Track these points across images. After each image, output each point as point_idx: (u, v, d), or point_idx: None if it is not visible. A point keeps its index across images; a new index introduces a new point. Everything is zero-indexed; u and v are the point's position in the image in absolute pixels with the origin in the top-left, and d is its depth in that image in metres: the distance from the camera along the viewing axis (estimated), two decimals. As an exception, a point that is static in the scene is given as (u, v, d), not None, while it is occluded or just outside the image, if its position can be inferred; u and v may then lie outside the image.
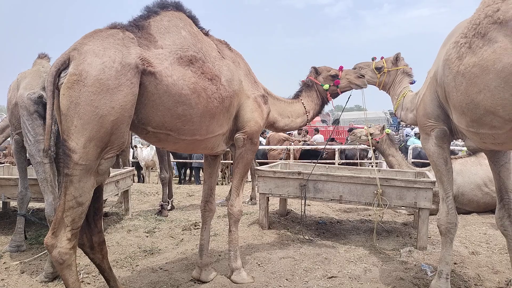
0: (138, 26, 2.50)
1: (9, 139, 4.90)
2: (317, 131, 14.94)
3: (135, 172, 10.58)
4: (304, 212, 4.79)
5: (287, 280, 3.43)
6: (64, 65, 2.19)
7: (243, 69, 3.22)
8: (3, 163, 7.10)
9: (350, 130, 10.39)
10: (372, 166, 9.04)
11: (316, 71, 4.02)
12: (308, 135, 13.69)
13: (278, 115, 3.74)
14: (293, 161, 9.14)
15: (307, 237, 4.64)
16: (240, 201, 3.34)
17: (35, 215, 4.94)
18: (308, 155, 9.74)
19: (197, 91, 2.61)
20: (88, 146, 2.18)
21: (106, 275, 2.72)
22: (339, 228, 5.16)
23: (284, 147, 9.70)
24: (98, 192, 2.55)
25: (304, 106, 3.88)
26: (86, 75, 2.13)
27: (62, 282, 2.39)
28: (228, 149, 3.39)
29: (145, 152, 10.20)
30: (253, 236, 4.68)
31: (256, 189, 6.24)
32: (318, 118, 33.39)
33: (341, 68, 4.02)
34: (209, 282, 3.34)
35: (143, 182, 10.65)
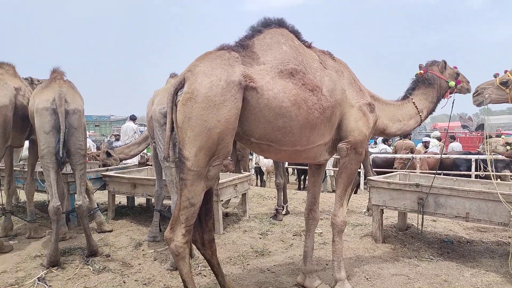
0: (243, 46, 2.74)
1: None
2: (453, 138, 13.35)
3: (253, 177, 11.24)
4: (422, 227, 4.41)
5: (395, 298, 3.24)
6: (180, 85, 2.56)
7: (347, 78, 3.19)
8: (151, 165, 8.37)
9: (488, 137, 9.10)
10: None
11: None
12: (440, 142, 12.39)
13: (389, 120, 3.57)
14: (420, 171, 8.42)
15: (426, 256, 4.26)
16: (344, 211, 3.29)
17: (169, 211, 5.73)
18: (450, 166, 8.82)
19: (297, 103, 2.70)
20: (199, 155, 2.48)
21: (215, 270, 3.03)
22: (468, 249, 4.57)
23: (409, 155, 9.00)
24: (208, 195, 2.87)
25: (416, 106, 3.63)
26: (197, 93, 2.45)
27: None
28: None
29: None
30: (364, 249, 4.51)
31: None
32: (457, 124, 29.80)
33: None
34: (312, 289, 3.39)
35: (264, 186, 11.22)
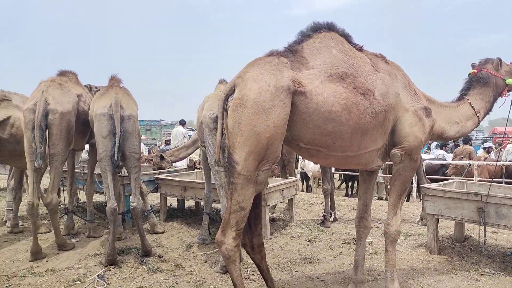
0: (291, 51, 2.73)
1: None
2: (516, 143, 12.34)
3: (300, 183, 11.11)
4: (484, 240, 4.12)
5: (453, 314, 3.05)
6: (231, 91, 2.60)
7: (401, 81, 3.07)
8: (199, 169, 8.59)
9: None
10: None
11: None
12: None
13: (446, 123, 3.41)
14: (478, 179, 7.89)
15: (487, 270, 3.97)
16: (398, 220, 3.17)
17: (217, 215, 5.84)
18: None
19: (348, 107, 2.65)
20: (248, 159, 2.51)
21: (264, 275, 3.03)
22: (536, 265, 4.21)
23: (464, 162, 8.47)
24: (258, 199, 2.87)
25: (472, 106, 3.46)
26: (247, 98, 2.48)
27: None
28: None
29: (313, 163, 10.59)
30: (418, 260, 4.30)
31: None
32: (520, 128, 27.60)
33: None
34: (363, 299, 3.28)
35: (310, 192, 11.08)
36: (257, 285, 3.57)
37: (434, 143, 12.19)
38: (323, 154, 2.78)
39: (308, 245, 4.87)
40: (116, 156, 4.04)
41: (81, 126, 4.74)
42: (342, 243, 4.93)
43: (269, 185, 5.08)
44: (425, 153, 12.01)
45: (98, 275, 3.76)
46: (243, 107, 2.48)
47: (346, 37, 2.96)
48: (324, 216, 5.90)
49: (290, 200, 5.96)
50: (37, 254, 4.29)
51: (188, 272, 3.93)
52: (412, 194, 8.90)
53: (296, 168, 11.09)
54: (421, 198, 7.13)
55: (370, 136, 2.82)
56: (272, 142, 2.51)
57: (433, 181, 6.53)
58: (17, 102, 5.20)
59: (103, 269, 3.93)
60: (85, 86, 5.38)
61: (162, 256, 4.36)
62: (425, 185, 4.73)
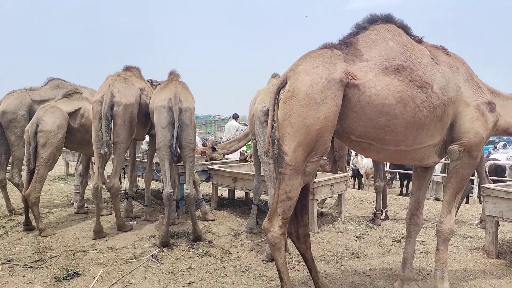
0: (346, 43, 2.73)
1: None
2: None
3: (351, 180, 10.88)
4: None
5: (510, 322, 2.89)
6: (282, 84, 2.66)
7: (463, 74, 2.93)
8: (250, 161, 8.75)
9: None
10: None
11: None
12: None
13: None
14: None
15: (554, 279, 3.69)
16: (452, 219, 3.04)
17: (266, 206, 5.94)
18: None
19: (403, 100, 2.60)
20: (297, 151, 2.56)
21: (308, 265, 3.07)
22: None
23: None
24: (305, 191, 2.92)
25: None
26: (298, 91, 2.52)
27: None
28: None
29: (365, 160, 10.35)
30: (473, 262, 4.09)
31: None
32: None
33: None
34: (411, 298, 3.21)
35: (362, 189, 10.83)
36: (302, 276, 3.63)
37: (501, 143, 11.38)
38: (375, 147, 2.75)
39: (356, 241, 4.81)
40: (174, 145, 4.29)
41: (143, 118, 5.07)
42: (392, 241, 4.81)
43: (318, 179, 5.08)
44: (488, 153, 11.25)
45: (152, 255, 4.04)
46: (294, 99, 2.53)
47: (405, 29, 2.88)
48: (374, 213, 5.78)
49: (340, 196, 5.91)
50: (99, 233, 4.68)
51: (235, 258, 4.08)
52: (472, 195, 8.41)
53: (348, 165, 10.91)
54: (481, 199, 6.71)
55: (427, 130, 2.74)
56: (321, 134, 2.53)
57: (496, 182, 6.12)
58: (86, 95, 5.69)
59: (157, 250, 4.20)
60: (147, 80, 5.73)
61: (212, 242, 4.56)
62: (486, 185, 4.46)
